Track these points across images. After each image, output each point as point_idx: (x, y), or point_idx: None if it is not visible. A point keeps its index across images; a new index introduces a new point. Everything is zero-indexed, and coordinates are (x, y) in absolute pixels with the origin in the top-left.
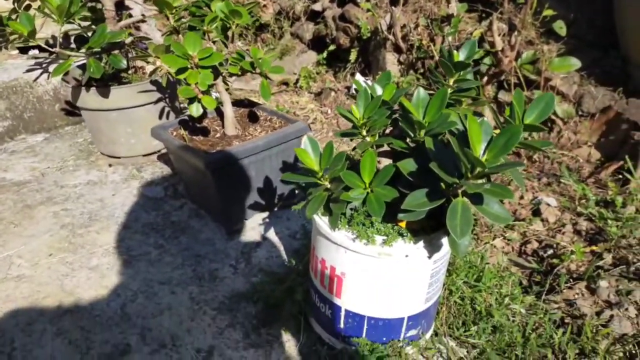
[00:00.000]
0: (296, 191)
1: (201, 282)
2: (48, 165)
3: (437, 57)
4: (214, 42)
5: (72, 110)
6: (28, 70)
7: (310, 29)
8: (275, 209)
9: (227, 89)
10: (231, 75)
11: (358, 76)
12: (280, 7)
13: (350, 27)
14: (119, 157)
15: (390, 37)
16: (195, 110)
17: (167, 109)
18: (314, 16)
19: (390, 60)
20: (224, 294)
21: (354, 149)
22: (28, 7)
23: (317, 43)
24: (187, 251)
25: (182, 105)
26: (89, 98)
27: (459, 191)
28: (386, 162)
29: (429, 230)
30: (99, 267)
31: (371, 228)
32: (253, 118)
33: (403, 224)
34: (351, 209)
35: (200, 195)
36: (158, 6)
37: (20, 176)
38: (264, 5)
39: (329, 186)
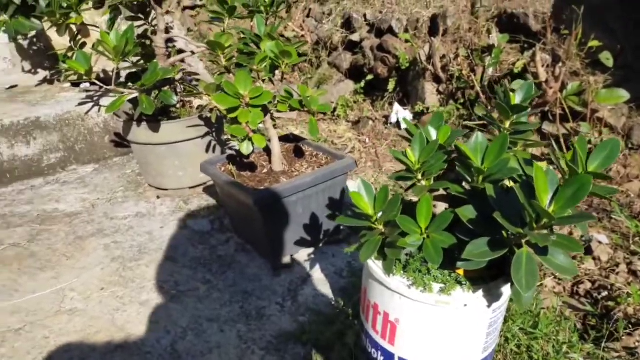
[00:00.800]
0: (341, 227)
1: (249, 320)
2: (98, 196)
3: (478, 88)
4: (263, 81)
5: (120, 142)
6: (80, 104)
7: (347, 58)
8: (321, 245)
9: (274, 125)
10: (279, 111)
11: (396, 106)
12: (318, 38)
13: (389, 57)
14: (166, 190)
15: (430, 67)
16: (245, 148)
17: (213, 143)
18: (352, 46)
19: (430, 90)
20: (272, 333)
21: (407, 189)
22: (83, 44)
23: (355, 72)
24: (234, 287)
25: (225, 137)
26: (140, 132)
27: (523, 241)
28: (441, 206)
29: (487, 278)
30: (149, 302)
31: (428, 275)
32: (299, 153)
33: (461, 272)
34: (406, 254)
35: (246, 230)
36: (211, 47)
37: (71, 207)
38: (302, 36)
39: (383, 230)
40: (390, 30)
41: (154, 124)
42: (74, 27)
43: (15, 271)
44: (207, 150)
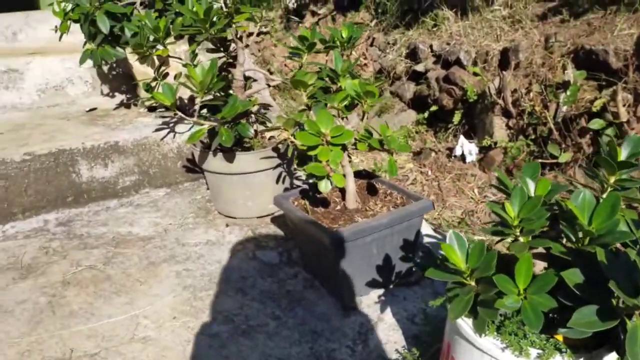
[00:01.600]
0: (413, 269)
1: None
2: (170, 221)
3: (551, 125)
4: (342, 118)
5: (191, 168)
6: (156, 130)
7: (410, 88)
8: (392, 287)
9: (349, 161)
10: (356, 149)
11: (462, 138)
12: (381, 66)
13: (455, 89)
14: (235, 218)
15: (500, 101)
16: (324, 186)
17: (283, 174)
18: (416, 76)
19: (498, 124)
20: None
21: (497, 242)
22: (166, 75)
23: (417, 102)
24: (304, 326)
25: (294, 168)
26: (214, 162)
27: (637, 312)
28: (539, 264)
29: (590, 346)
30: (219, 335)
31: (524, 340)
32: (372, 190)
33: (560, 337)
34: (500, 314)
35: (316, 267)
36: (294, 85)
37: (145, 231)
38: (365, 64)
39: (475, 287)
40: (458, 62)
41: (229, 155)
42: (156, 59)
43: (92, 294)
44: (277, 181)
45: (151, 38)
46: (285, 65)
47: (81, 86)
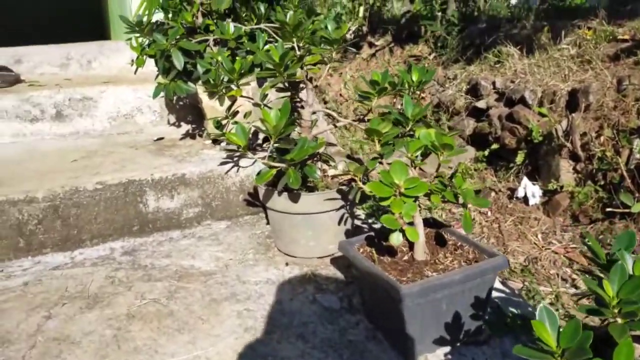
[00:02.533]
0: (483, 327)
1: None
2: (230, 256)
3: (623, 171)
4: (414, 167)
5: (252, 202)
6: (221, 163)
7: (470, 124)
8: (459, 345)
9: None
10: (429, 200)
11: (525, 180)
12: (439, 101)
13: (519, 128)
14: (295, 257)
15: (568, 144)
16: (395, 239)
17: (346, 216)
18: (476, 113)
19: (565, 168)
20: None
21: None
22: (236, 113)
23: (477, 139)
24: None
25: (356, 210)
26: (279, 201)
27: None
28: (637, 348)
29: None
30: None
31: None
32: (441, 241)
33: None
34: None
35: (380, 318)
36: (368, 134)
37: (207, 265)
38: (422, 97)
39: None
40: (523, 101)
41: (294, 195)
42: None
43: (155, 329)
44: (339, 223)
45: (225, 78)
46: (340, 95)
47: (149, 115)
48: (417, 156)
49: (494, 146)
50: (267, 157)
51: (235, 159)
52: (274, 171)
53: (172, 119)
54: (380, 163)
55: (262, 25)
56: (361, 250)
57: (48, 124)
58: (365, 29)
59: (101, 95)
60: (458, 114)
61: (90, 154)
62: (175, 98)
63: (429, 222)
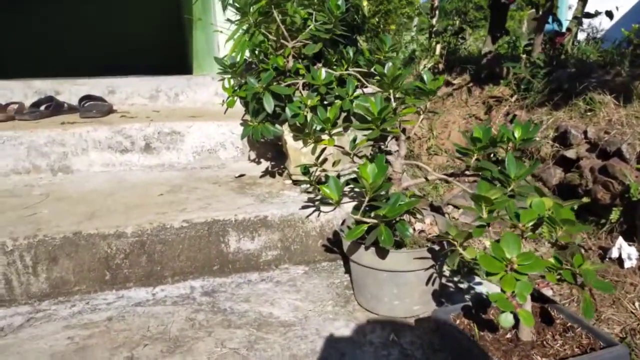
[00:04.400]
0: None
1: None
2: (309, 306)
3: None
4: (524, 238)
5: (330, 248)
6: (303, 207)
7: (557, 174)
8: None
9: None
10: (542, 277)
11: (620, 240)
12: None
13: (614, 183)
14: (377, 314)
15: None
16: (506, 321)
17: (434, 276)
18: (564, 162)
19: None
20: None
21: None
22: (324, 161)
23: (564, 190)
24: None
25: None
26: (365, 255)
27: None
28: None
29: None
30: None
31: None
32: (547, 319)
33: None
34: None
35: None
36: (475, 200)
37: (285, 315)
38: None
39: None
40: (619, 154)
41: (382, 251)
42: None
43: None
44: (426, 283)
45: (318, 127)
46: (415, 134)
47: (232, 151)
48: (528, 227)
49: (585, 199)
50: (360, 212)
51: (317, 202)
52: (365, 227)
53: (253, 155)
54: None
55: (351, 71)
56: (457, 321)
57: (137, 155)
58: (441, 66)
59: (188, 130)
60: (544, 161)
61: (175, 188)
62: None
63: (533, 296)
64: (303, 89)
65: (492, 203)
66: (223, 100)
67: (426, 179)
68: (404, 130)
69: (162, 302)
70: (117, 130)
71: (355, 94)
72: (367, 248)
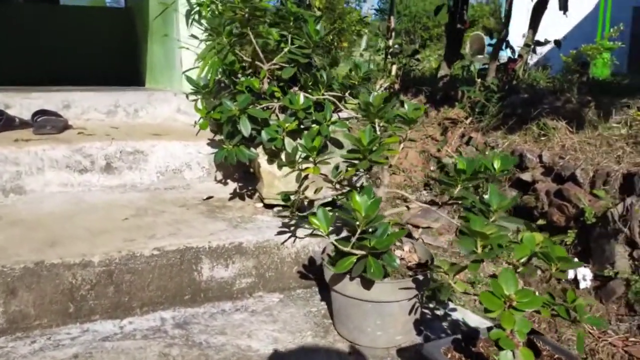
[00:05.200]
0: None
1: None
2: (289, 337)
3: None
4: (516, 271)
5: (306, 274)
6: (278, 233)
7: (512, 196)
8: None
9: None
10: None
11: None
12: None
13: (568, 207)
14: (359, 345)
15: (625, 230)
16: (504, 358)
17: (417, 305)
18: (519, 184)
19: (621, 254)
20: None
21: None
22: (306, 187)
23: (520, 212)
24: None
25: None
26: (349, 286)
27: None
28: None
29: None
30: None
31: None
32: (533, 350)
33: None
34: None
35: None
36: (472, 234)
37: (265, 348)
38: None
39: None
40: (573, 179)
41: (367, 282)
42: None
43: None
44: (409, 313)
45: (303, 155)
46: (402, 163)
47: (197, 171)
48: (521, 262)
49: (540, 222)
50: (351, 244)
51: (292, 228)
52: (354, 259)
53: (219, 176)
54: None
55: (328, 96)
56: (449, 355)
57: (97, 175)
58: (397, 87)
59: (152, 149)
60: (499, 183)
61: (140, 211)
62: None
63: None
64: (280, 113)
65: (487, 238)
66: (195, 122)
67: (407, 207)
68: (386, 158)
69: (131, 336)
70: (76, 148)
71: (333, 119)
72: (352, 278)
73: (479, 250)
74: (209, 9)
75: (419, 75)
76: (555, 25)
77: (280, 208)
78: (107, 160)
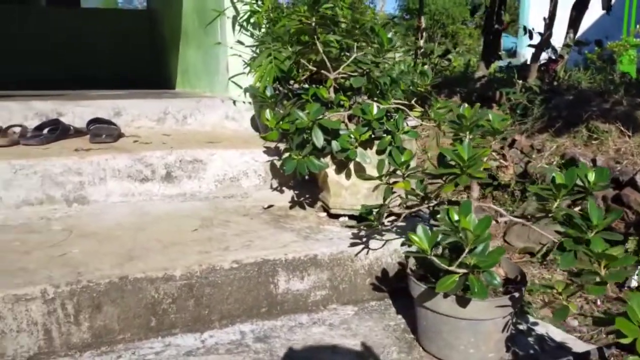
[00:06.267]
0: None
1: None
2: (373, 353)
3: None
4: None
5: (378, 286)
6: (351, 244)
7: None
8: None
9: None
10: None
11: (639, 269)
12: (526, 171)
13: (628, 212)
14: None
15: None
16: None
17: (509, 322)
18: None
19: None
20: None
21: None
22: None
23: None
24: None
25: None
26: (443, 303)
27: None
28: None
29: None
30: None
31: None
32: None
33: None
34: None
35: None
36: (598, 257)
37: None
38: (505, 167)
39: None
40: (632, 184)
41: (463, 299)
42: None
43: None
44: (502, 330)
45: (391, 168)
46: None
47: (254, 179)
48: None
49: None
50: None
51: (364, 239)
52: (456, 277)
53: (275, 183)
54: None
55: (399, 105)
56: None
57: (157, 184)
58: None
59: (210, 158)
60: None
61: (206, 221)
62: (279, 163)
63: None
64: (349, 122)
65: (614, 259)
66: (264, 137)
67: (496, 220)
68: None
69: (214, 350)
70: (137, 158)
71: (406, 128)
72: (446, 296)
73: (602, 271)
74: (264, 17)
75: (450, 76)
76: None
77: (346, 218)
78: (168, 169)
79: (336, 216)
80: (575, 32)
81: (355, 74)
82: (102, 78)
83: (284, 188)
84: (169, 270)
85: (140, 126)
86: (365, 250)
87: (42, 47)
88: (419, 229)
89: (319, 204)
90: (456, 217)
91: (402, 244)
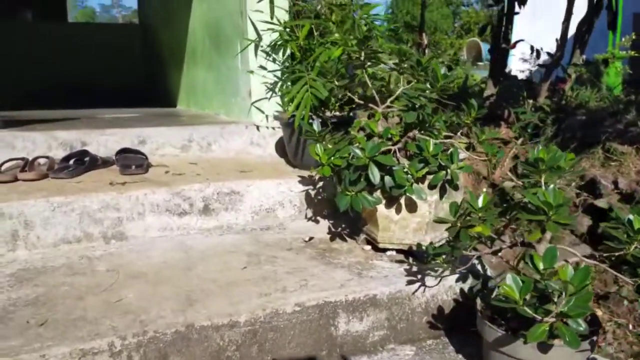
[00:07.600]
0: None
1: None
2: None
3: None
4: None
5: (434, 324)
6: (408, 282)
7: (585, 222)
8: None
9: None
10: None
11: None
12: None
13: None
14: None
15: None
16: None
17: None
18: (592, 210)
19: None
20: None
21: None
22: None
23: (595, 239)
24: None
25: None
26: (523, 349)
27: None
28: None
29: None
30: None
31: None
32: None
33: None
34: None
35: None
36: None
37: None
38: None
39: None
40: None
41: (546, 346)
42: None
43: None
44: None
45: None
46: None
47: (289, 209)
48: None
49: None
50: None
51: (419, 276)
52: (546, 327)
53: (309, 213)
54: None
55: (454, 141)
56: None
57: (195, 217)
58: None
59: (247, 189)
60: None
61: (252, 257)
62: (314, 192)
63: None
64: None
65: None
66: (313, 174)
67: (566, 260)
68: None
69: None
70: (175, 192)
71: (461, 163)
72: (524, 340)
73: None
74: (296, 44)
75: (452, 93)
76: (555, 32)
77: (393, 252)
78: (205, 202)
79: (382, 250)
80: (582, 51)
81: (405, 107)
82: (98, 93)
83: (318, 218)
84: (234, 317)
85: (165, 154)
86: (422, 288)
87: (30, 63)
88: (509, 278)
89: (361, 236)
90: (541, 265)
91: (457, 280)
